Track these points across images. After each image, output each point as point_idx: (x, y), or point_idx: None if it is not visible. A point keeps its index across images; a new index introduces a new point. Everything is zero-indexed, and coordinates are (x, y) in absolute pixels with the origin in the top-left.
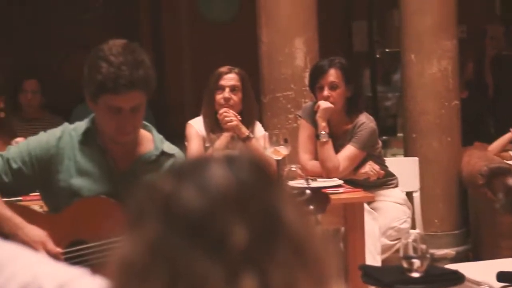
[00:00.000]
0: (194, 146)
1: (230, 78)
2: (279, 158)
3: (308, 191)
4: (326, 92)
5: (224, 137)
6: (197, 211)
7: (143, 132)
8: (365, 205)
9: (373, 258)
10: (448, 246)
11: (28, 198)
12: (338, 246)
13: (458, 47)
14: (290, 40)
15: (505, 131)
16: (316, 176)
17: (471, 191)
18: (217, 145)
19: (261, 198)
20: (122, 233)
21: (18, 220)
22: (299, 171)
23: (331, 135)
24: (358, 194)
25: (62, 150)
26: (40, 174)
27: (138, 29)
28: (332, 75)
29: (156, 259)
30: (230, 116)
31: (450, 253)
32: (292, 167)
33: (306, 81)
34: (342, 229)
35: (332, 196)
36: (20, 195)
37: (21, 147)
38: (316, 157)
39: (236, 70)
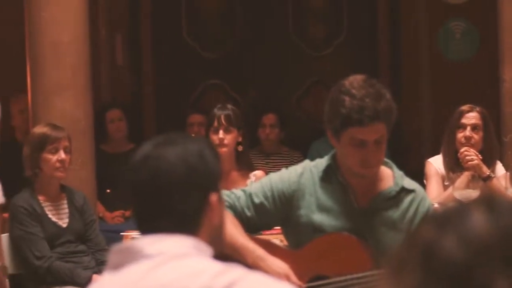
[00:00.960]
0: (434, 184)
1: (471, 117)
2: None
3: None
4: None
5: (465, 176)
6: (458, 261)
7: (383, 168)
8: None
9: None
10: None
11: (267, 232)
12: None
13: None
14: None
15: None
16: None
17: None
18: (457, 184)
19: None
20: (366, 270)
21: (261, 252)
22: None
23: None
24: None
25: (303, 186)
26: (282, 209)
27: (377, 65)
28: None
29: None
30: (471, 155)
31: None
32: None
33: None
34: None
35: None
36: (261, 230)
37: (263, 182)
38: None
39: (478, 108)
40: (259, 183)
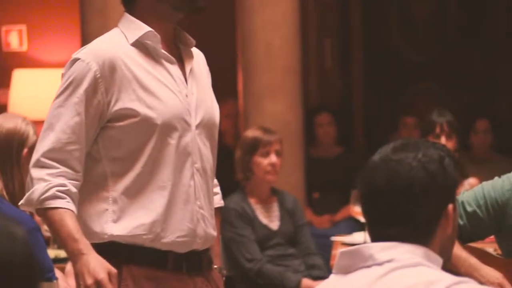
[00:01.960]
0: None
1: None
2: None
3: None
4: None
5: None
6: None
7: None
8: None
9: None
10: None
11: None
12: None
13: None
14: None
15: None
16: None
17: None
18: None
19: None
20: None
21: (474, 261)
22: None
23: None
24: None
25: None
26: (495, 218)
27: None
28: None
29: None
30: None
31: None
32: None
33: None
34: None
35: None
36: (474, 240)
37: (476, 190)
38: None
39: None
40: (472, 192)
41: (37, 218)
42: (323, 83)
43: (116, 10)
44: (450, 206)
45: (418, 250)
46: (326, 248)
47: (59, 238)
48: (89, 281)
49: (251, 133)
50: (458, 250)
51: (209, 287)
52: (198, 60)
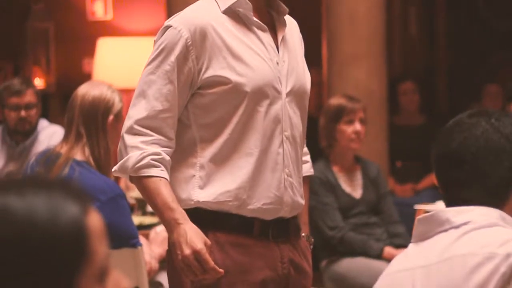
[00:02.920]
0: None
1: None
2: None
3: None
4: None
5: None
6: None
7: None
8: None
9: None
10: None
11: None
12: None
13: None
14: None
15: None
16: None
17: None
18: None
19: None
20: None
21: None
22: None
23: None
24: None
25: None
26: None
27: None
28: None
29: None
30: None
31: None
32: None
33: None
34: None
35: None
36: None
37: None
38: None
39: None
40: None
41: (122, 185)
42: (407, 51)
43: None
44: None
45: (493, 212)
46: (408, 217)
47: (154, 207)
48: (187, 251)
49: (335, 100)
50: None
51: (295, 254)
52: (291, 28)
